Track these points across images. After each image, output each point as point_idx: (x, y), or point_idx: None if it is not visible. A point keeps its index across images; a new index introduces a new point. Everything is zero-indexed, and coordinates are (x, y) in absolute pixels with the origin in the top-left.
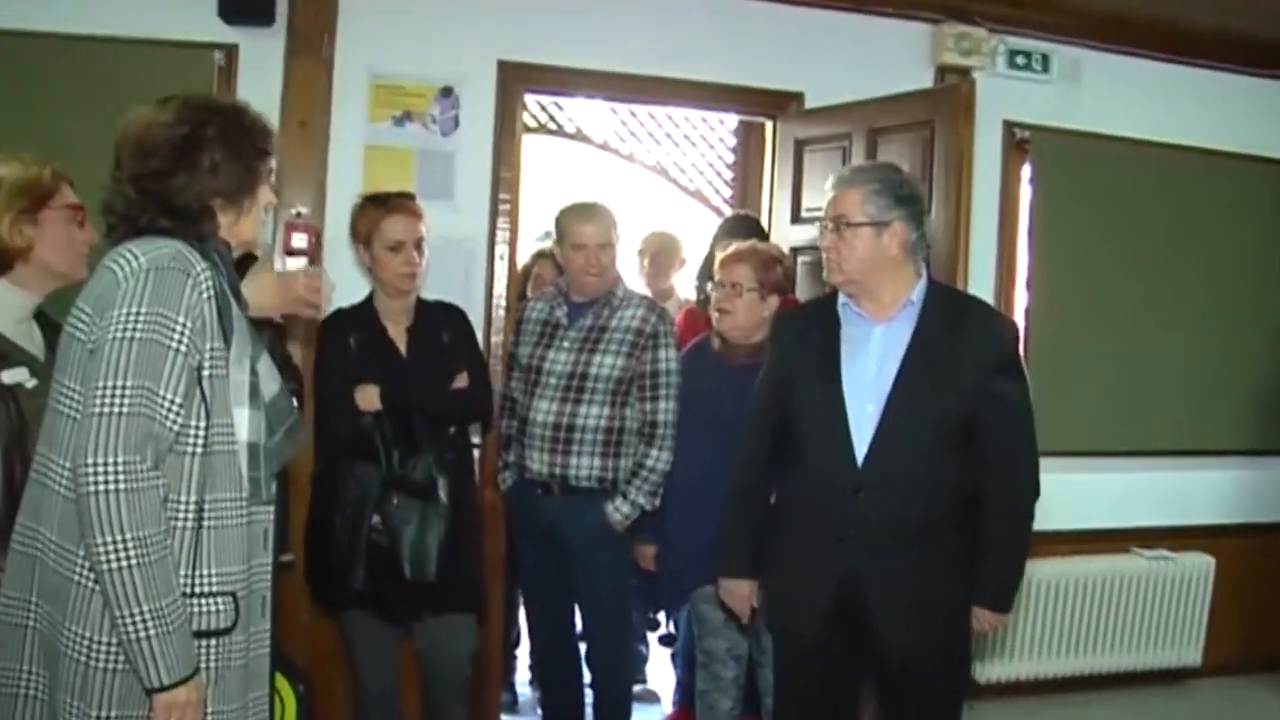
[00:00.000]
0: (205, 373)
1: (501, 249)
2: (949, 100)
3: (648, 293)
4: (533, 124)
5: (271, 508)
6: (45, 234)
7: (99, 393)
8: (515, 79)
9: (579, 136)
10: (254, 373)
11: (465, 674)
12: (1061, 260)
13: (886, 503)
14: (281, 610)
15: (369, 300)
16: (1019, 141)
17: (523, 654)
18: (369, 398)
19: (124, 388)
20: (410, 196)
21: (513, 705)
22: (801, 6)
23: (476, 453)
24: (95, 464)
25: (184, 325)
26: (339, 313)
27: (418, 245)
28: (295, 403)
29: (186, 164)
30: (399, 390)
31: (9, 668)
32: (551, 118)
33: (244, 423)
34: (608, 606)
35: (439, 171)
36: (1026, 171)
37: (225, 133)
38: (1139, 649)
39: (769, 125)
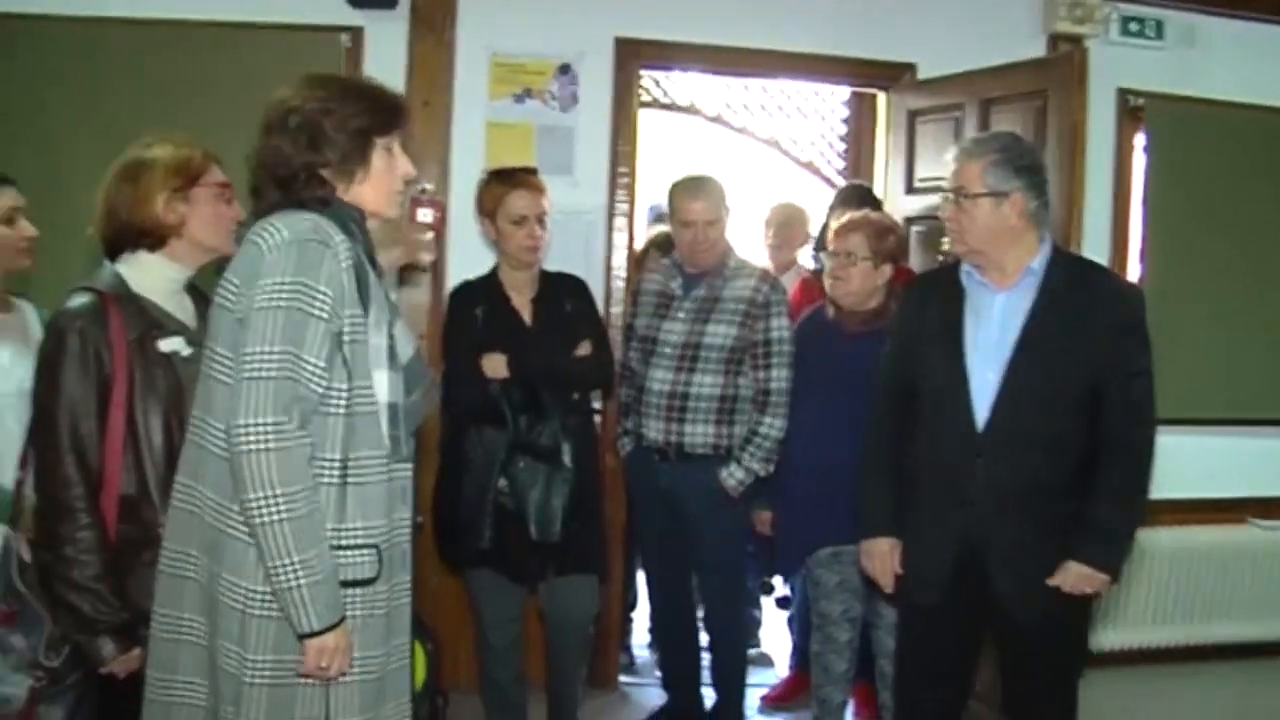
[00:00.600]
0: (346, 338)
1: (620, 222)
2: (1061, 69)
3: (770, 264)
4: (647, 99)
5: (410, 465)
6: (196, 211)
7: (249, 359)
8: (631, 55)
9: (692, 110)
10: (391, 336)
11: (587, 633)
12: (1176, 228)
13: (1006, 468)
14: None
15: (494, 272)
16: (1133, 109)
17: (640, 616)
18: (496, 365)
19: (271, 353)
20: (533, 171)
21: (630, 666)
22: None
23: (598, 419)
24: (247, 424)
25: (325, 294)
26: (466, 284)
27: (540, 219)
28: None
29: (288, 136)
30: (525, 358)
31: (172, 615)
32: (665, 92)
33: (383, 384)
34: (723, 570)
35: (559, 147)
36: (1140, 140)
37: (326, 104)
38: (1254, 620)
39: (881, 96)
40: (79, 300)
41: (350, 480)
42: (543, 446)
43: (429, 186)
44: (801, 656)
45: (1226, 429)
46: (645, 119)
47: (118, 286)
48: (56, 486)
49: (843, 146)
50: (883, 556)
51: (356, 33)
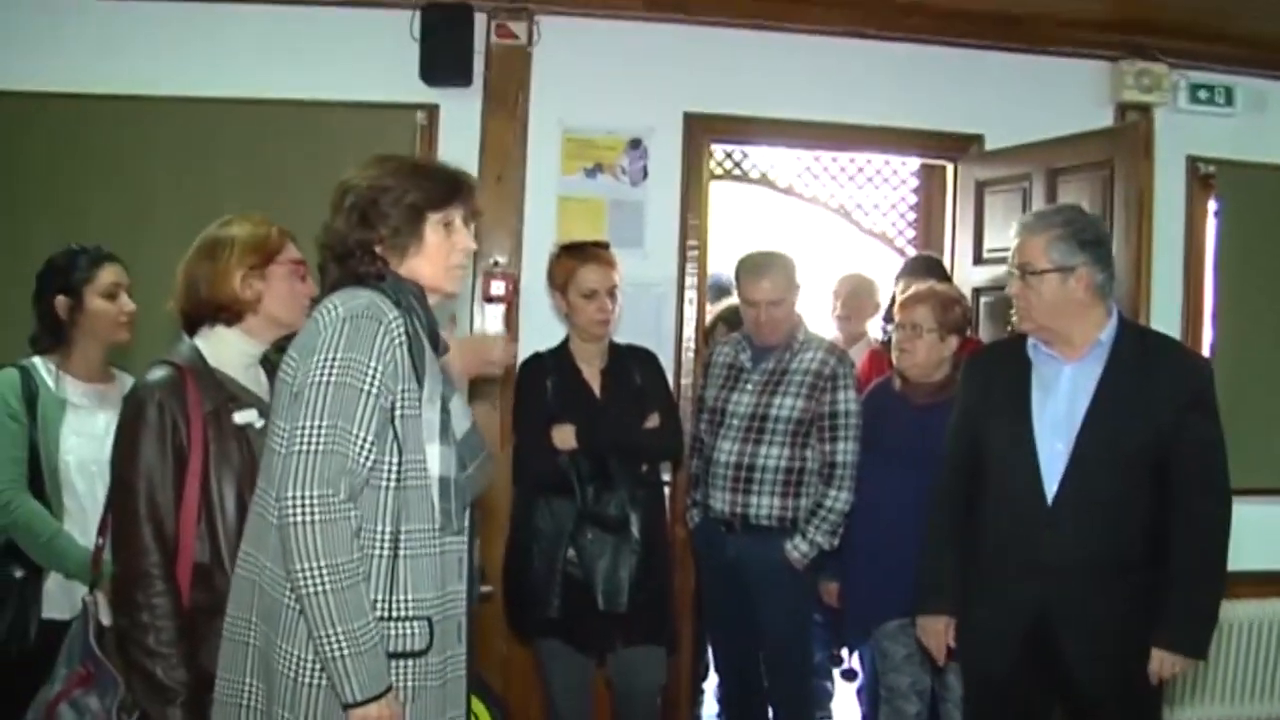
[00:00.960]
0: (398, 412)
1: (690, 294)
2: (1128, 138)
3: (838, 334)
4: (717, 170)
5: (464, 538)
6: (272, 288)
7: (299, 432)
8: (700, 129)
9: (763, 181)
10: (445, 410)
11: (654, 704)
12: (1248, 295)
13: (1076, 539)
14: (481, 638)
15: (565, 344)
16: (1203, 176)
17: (710, 687)
18: (565, 436)
19: (320, 427)
20: (604, 245)
21: None
22: (979, 49)
23: (667, 490)
24: (294, 496)
25: (375, 369)
26: (537, 356)
27: (610, 293)
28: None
29: (344, 215)
30: (593, 429)
31: (234, 679)
32: (736, 164)
33: (435, 458)
34: (787, 642)
35: (629, 220)
36: (1212, 206)
37: (380, 182)
38: None
39: (949, 167)
40: (158, 373)
41: (402, 553)
42: (610, 517)
43: (501, 260)
44: None
45: None
46: (717, 190)
47: (195, 360)
48: (133, 554)
49: (913, 217)
50: (938, 634)
51: (432, 110)
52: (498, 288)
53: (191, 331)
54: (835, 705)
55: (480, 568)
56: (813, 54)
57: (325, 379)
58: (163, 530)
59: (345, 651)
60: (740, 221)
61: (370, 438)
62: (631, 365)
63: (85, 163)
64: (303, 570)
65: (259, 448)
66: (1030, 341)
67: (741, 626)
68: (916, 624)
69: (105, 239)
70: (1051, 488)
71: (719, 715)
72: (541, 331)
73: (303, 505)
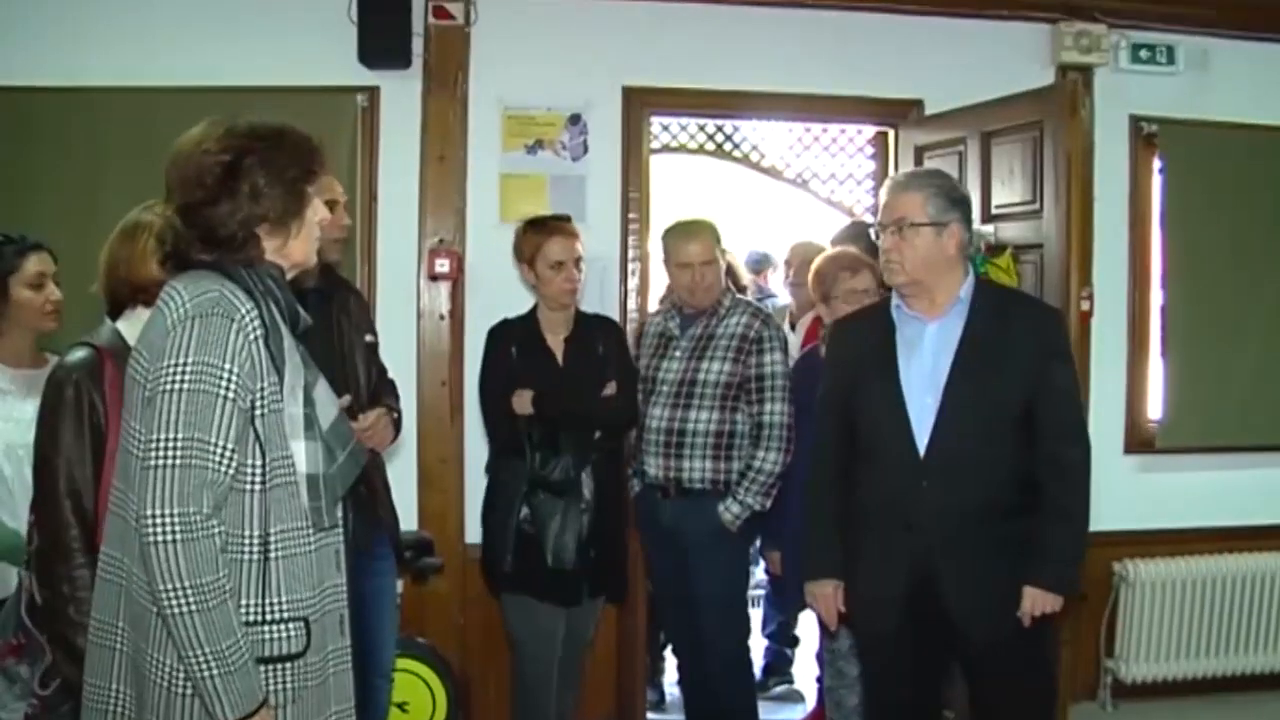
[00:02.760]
0: (258, 411)
1: (633, 266)
2: (1056, 98)
3: (791, 301)
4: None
5: (340, 530)
6: None
7: (154, 446)
8: (639, 103)
9: (718, 153)
10: (309, 403)
11: (579, 655)
12: (1197, 253)
13: (951, 490)
14: (437, 611)
15: (532, 312)
16: (1146, 136)
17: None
18: (523, 402)
19: (175, 440)
20: (567, 219)
21: (659, 704)
22: (919, 15)
23: None
24: (154, 515)
25: (230, 370)
26: (505, 323)
27: (576, 263)
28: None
29: (228, 192)
30: (550, 396)
31: (100, 686)
32: (691, 136)
33: (301, 455)
34: (722, 606)
35: (571, 195)
36: (1156, 165)
37: (266, 157)
38: None
39: (890, 133)
40: (76, 355)
41: (273, 555)
42: (554, 481)
43: (445, 238)
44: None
45: (1257, 455)
46: (668, 163)
47: (114, 341)
48: (54, 529)
49: (870, 185)
50: (826, 599)
51: (372, 92)
52: (442, 266)
53: (116, 313)
54: (797, 669)
55: (429, 541)
56: (752, 24)
57: (177, 386)
58: (82, 505)
59: (215, 672)
60: (690, 192)
61: (230, 445)
62: (595, 334)
63: (28, 155)
64: (166, 591)
65: None
66: (893, 303)
67: (681, 592)
68: (805, 591)
69: (51, 230)
70: (923, 442)
71: (678, 683)
72: (487, 308)
73: (163, 524)
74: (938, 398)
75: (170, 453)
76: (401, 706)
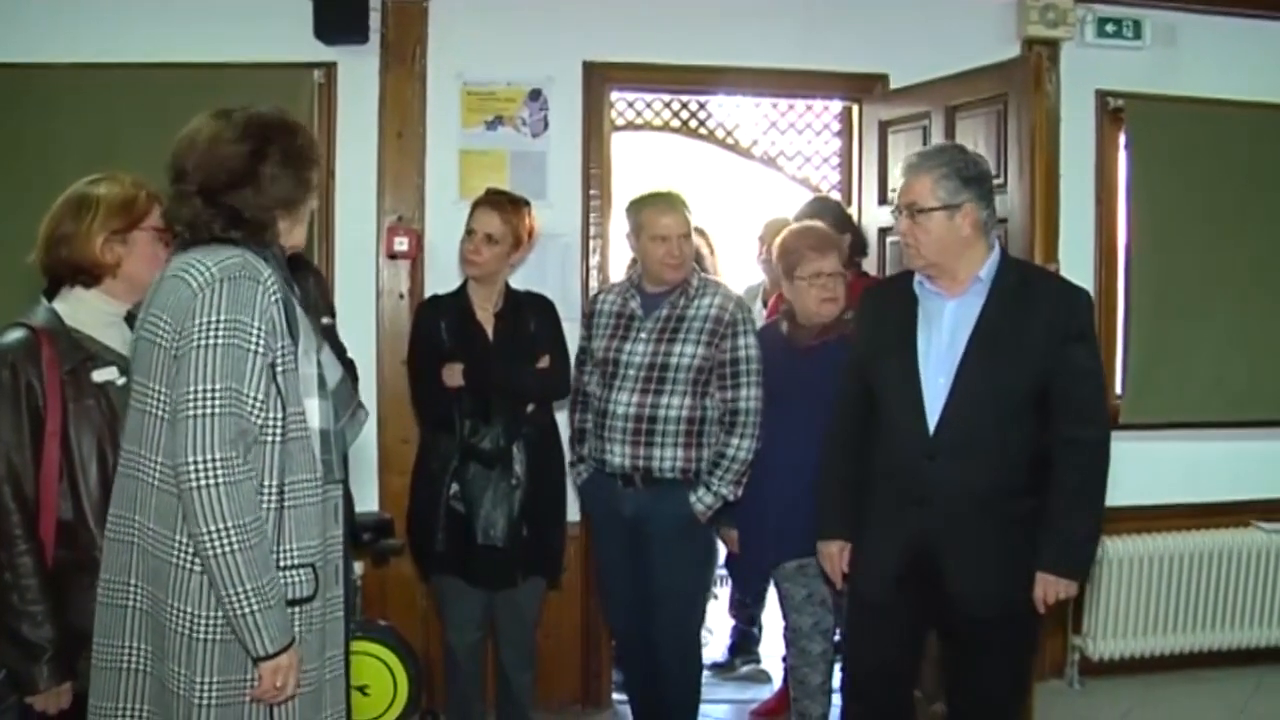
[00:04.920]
0: (279, 369)
1: (595, 243)
2: (1019, 72)
3: (765, 278)
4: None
5: (340, 485)
6: (134, 252)
7: (190, 396)
8: (600, 78)
9: (684, 130)
10: (319, 364)
11: (528, 634)
12: (1163, 228)
13: (958, 469)
14: (398, 593)
15: (463, 287)
16: (1113, 111)
17: None
18: (454, 374)
19: (214, 390)
20: (516, 200)
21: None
22: None
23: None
24: (196, 461)
25: (258, 328)
26: (434, 298)
27: (487, 237)
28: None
29: (254, 178)
30: (480, 368)
31: (112, 644)
32: (656, 114)
33: (314, 411)
34: (683, 598)
35: (531, 172)
36: (1123, 140)
37: (285, 149)
38: (1259, 625)
39: (855, 108)
40: (11, 336)
41: (287, 504)
42: (485, 450)
43: (404, 215)
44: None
45: (1224, 430)
46: (655, 141)
47: (51, 321)
48: None
49: (837, 161)
50: (832, 557)
51: (329, 68)
52: (401, 244)
53: (52, 286)
54: (763, 649)
55: (389, 521)
56: None
57: (212, 341)
58: (22, 491)
59: (256, 608)
60: (653, 169)
61: (261, 397)
62: (526, 310)
63: None
64: (209, 532)
65: (121, 404)
66: (916, 278)
67: (636, 582)
68: (816, 549)
69: (8, 211)
70: (933, 420)
71: (620, 670)
72: (447, 287)
73: (206, 469)
74: (950, 377)
75: (209, 402)
76: (362, 690)
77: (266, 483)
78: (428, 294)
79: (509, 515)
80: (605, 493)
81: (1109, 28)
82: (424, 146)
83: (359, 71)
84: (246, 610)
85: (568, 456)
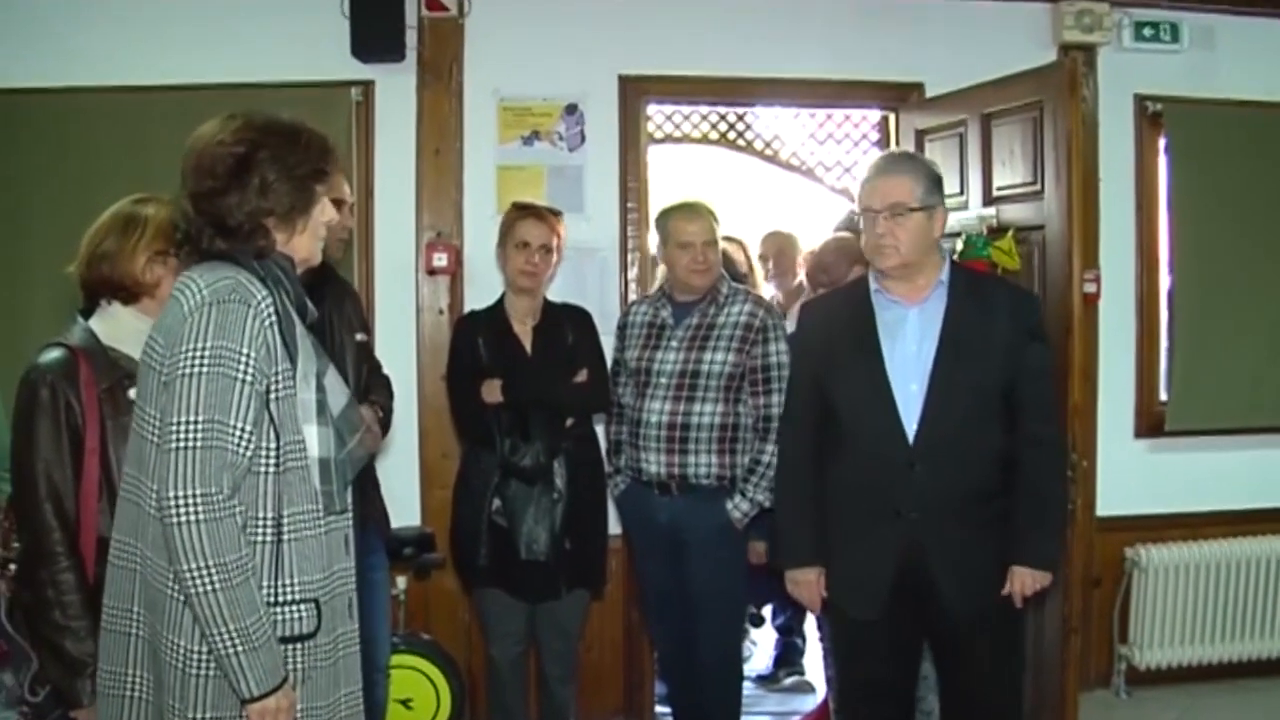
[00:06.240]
0: (273, 395)
1: (633, 256)
2: (1055, 78)
3: (777, 293)
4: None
5: (349, 515)
6: (172, 274)
7: (174, 428)
8: (636, 92)
9: (722, 142)
10: (320, 389)
11: (571, 645)
12: (1203, 233)
13: (942, 475)
14: (441, 607)
15: (500, 301)
16: (1152, 115)
17: None
18: (492, 390)
19: (196, 423)
20: (555, 212)
21: (668, 697)
22: None
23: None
24: (177, 496)
25: (247, 355)
26: (471, 314)
27: (543, 249)
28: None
29: (238, 184)
30: (519, 384)
31: (116, 672)
32: (695, 126)
33: (313, 439)
34: (721, 601)
35: (569, 186)
36: (1162, 144)
37: (278, 153)
38: None
39: (891, 117)
40: (49, 355)
41: (285, 537)
42: (525, 468)
43: (442, 231)
44: None
45: (1265, 437)
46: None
47: (88, 340)
48: (36, 533)
49: None
50: (809, 585)
51: (367, 86)
52: (440, 259)
53: (90, 306)
54: (808, 661)
55: (430, 536)
56: (750, 9)
57: (196, 370)
58: (63, 508)
59: (240, 648)
60: (691, 181)
61: (249, 428)
62: (564, 323)
63: (22, 156)
64: (190, 570)
65: None
66: (872, 287)
67: (676, 591)
68: (786, 578)
69: (48, 235)
70: (911, 428)
71: (664, 681)
72: (486, 302)
73: (187, 505)
74: (924, 384)
75: (191, 435)
76: (406, 703)
77: (261, 515)
78: (466, 309)
79: (551, 530)
80: (642, 502)
81: (1146, 31)
82: (461, 162)
83: (396, 89)
84: (230, 650)
85: (606, 468)
